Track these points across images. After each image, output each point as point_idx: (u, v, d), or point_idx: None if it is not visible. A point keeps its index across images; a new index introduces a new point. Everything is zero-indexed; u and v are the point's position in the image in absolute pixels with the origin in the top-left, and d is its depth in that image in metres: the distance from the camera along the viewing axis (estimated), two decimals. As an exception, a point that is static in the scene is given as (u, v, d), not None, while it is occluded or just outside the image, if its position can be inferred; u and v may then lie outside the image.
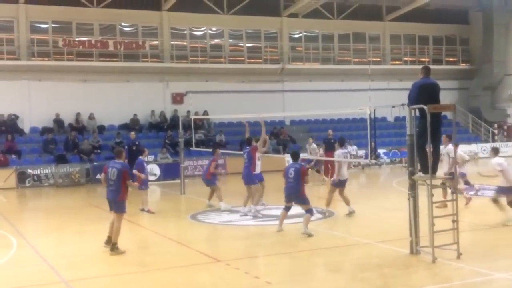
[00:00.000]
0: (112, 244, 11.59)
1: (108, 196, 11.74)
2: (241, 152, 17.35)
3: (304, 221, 12.78)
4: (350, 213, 15.15)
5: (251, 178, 15.89)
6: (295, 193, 12.95)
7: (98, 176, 24.96)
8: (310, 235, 12.50)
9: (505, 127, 37.96)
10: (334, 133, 29.41)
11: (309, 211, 12.89)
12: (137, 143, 25.49)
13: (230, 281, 9.58)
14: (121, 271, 10.45)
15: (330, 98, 33.17)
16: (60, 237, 13.84)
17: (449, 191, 10.67)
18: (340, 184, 15.20)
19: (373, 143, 14.97)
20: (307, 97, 33.33)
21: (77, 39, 30.03)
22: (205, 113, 30.57)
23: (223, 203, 16.91)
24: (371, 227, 13.97)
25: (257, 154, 16.24)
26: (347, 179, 15.40)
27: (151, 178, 26.14)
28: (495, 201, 13.39)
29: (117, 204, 11.65)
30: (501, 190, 13.06)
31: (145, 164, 17.04)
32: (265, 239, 13.05)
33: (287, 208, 13.35)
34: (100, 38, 30.59)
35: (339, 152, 15.50)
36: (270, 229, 14.22)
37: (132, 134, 25.87)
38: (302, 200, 13.00)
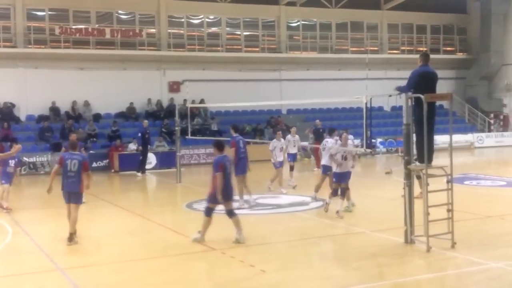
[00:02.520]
0: (70, 234, 11.50)
1: (68, 188, 11.64)
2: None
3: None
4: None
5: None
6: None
7: (94, 165, 25.14)
8: None
9: (501, 117, 37.98)
10: (331, 122, 29.43)
11: None
12: (148, 131, 25.67)
13: (225, 270, 9.60)
14: (116, 259, 10.46)
15: (327, 87, 33.13)
16: (56, 225, 13.81)
17: (444, 180, 10.66)
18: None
19: (368, 132, 14.93)
20: (304, 86, 33.28)
21: (74, 26, 29.90)
22: (202, 101, 30.52)
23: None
24: (366, 216, 13.99)
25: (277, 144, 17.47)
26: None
27: (147, 166, 26.21)
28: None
29: (76, 196, 11.69)
30: None
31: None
32: (260, 228, 13.07)
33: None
34: (97, 26, 30.46)
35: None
36: (266, 218, 14.26)
37: (145, 122, 26.21)
38: None
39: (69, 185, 11.62)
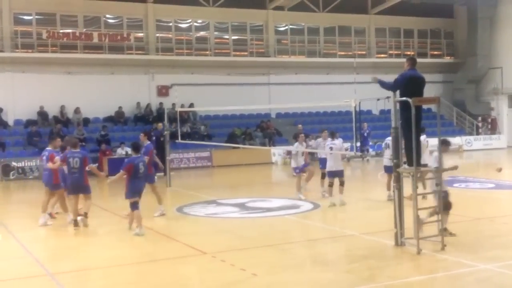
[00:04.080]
0: (85, 213, 13.21)
1: (74, 182, 13.15)
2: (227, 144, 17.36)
3: None
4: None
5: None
6: None
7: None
8: None
9: (489, 120, 38.23)
10: (320, 126, 29.33)
11: None
12: (163, 133, 25.58)
13: (216, 274, 9.57)
14: (106, 263, 10.41)
15: (315, 91, 33.19)
16: (45, 230, 13.75)
17: (428, 183, 10.71)
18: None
19: (358, 136, 15.06)
20: (293, 90, 33.32)
21: (61, 31, 29.77)
22: (191, 105, 30.49)
23: None
24: (356, 219, 14.03)
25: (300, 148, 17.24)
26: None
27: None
28: None
29: (84, 188, 13.28)
30: None
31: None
32: (251, 231, 13.06)
33: None
34: (84, 30, 30.35)
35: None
36: (256, 222, 14.25)
37: (159, 125, 25.98)
38: None
39: (75, 180, 13.11)
